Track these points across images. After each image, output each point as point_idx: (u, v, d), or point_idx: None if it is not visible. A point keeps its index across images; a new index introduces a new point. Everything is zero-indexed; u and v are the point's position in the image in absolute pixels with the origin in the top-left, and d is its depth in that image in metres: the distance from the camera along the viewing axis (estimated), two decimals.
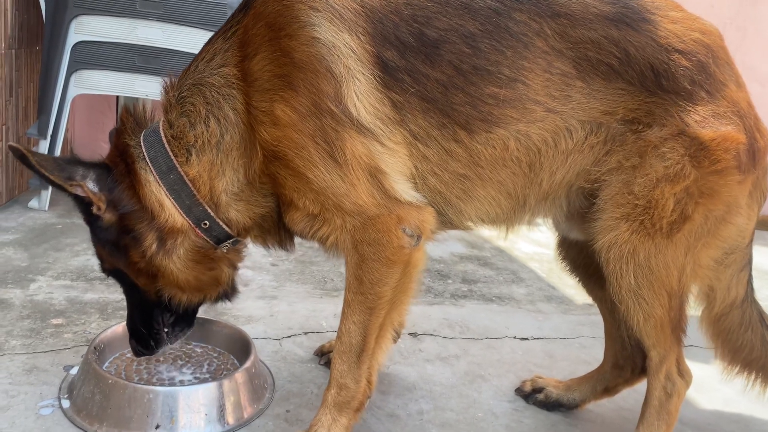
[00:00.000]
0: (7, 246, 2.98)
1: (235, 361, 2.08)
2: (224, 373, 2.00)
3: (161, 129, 1.65)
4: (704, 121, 1.60)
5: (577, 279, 2.09)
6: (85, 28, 3.26)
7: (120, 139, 1.69)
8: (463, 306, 2.90)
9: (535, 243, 4.08)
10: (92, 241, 1.75)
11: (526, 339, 2.65)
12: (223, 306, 2.54)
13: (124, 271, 1.73)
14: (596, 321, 2.90)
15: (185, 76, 1.66)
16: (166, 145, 1.63)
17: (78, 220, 3.49)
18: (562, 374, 2.30)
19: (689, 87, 1.60)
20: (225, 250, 1.75)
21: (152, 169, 1.64)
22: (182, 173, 1.63)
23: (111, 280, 2.64)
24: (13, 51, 3.48)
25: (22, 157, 1.51)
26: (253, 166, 1.63)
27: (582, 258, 2.02)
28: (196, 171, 1.63)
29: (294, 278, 2.99)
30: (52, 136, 3.36)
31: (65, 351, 2.10)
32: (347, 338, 1.65)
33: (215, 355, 2.12)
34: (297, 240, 3.61)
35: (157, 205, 1.64)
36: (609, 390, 2.09)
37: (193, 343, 2.16)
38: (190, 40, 3.23)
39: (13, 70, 3.49)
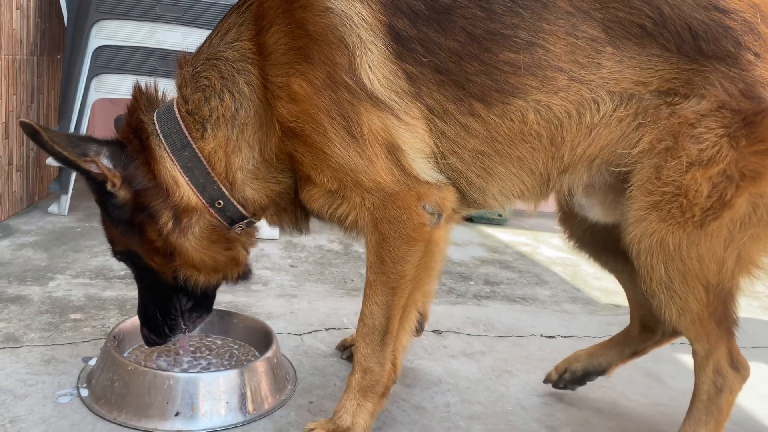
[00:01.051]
0: (26, 247, 2.96)
1: (257, 353, 2.02)
2: (245, 362, 1.95)
3: (175, 106, 1.62)
4: (750, 90, 1.46)
5: (588, 255, 2.01)
6: (106, 33, 3.28)
7: (133, 115, 1.65)
8: (486, 306, 2.84)
9: (558, 248, 4.01)
10: (103, 223, 1.71)
11: (553, 337, 2.57)
12: (243, 303, 2.51)
13: (137, 253, 1.68)
14: (625, 321, 2.80)
15: (200, 52, 1.63)
16: (181, 122, 1.60)
17: (97, 224, 3.47)
18: None
19: (733, 50, 1.46)
20: (239, 231, 1.71)
21: (166, 146, 1.60)
22: (197, 150, 1.59)
23: (130, 279, 2.63)
24: (35, 58, 3.51)
25: (34, 133, 1.46)
26: (270, 142, 1.59)
27: (588, 235, 1.95)
28: (211, 147, 1.60)
29: (313, 278, 2.94)
30: None
31: (84, 344, 2.07)
32: (370, 320, 1.60)
33: (236, 347, 2.07)
34: (315, 243, 3.56)
35: (171, 182, 1.60)
36: (638, 353, 2.03)
37: (213, 336, 2.11)
38: None
39: (35, 76, 3.52)
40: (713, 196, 1.49)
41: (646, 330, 1.98)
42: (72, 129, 3.37)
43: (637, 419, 1.99)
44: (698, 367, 1.66)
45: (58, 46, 3.80)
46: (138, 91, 1.66)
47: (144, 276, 1.75)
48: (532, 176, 1.64)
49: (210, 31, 3.38)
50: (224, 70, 1.57)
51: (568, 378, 2.04)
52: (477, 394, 2.02)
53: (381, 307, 1.58)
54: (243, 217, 1.68)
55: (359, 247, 3.52)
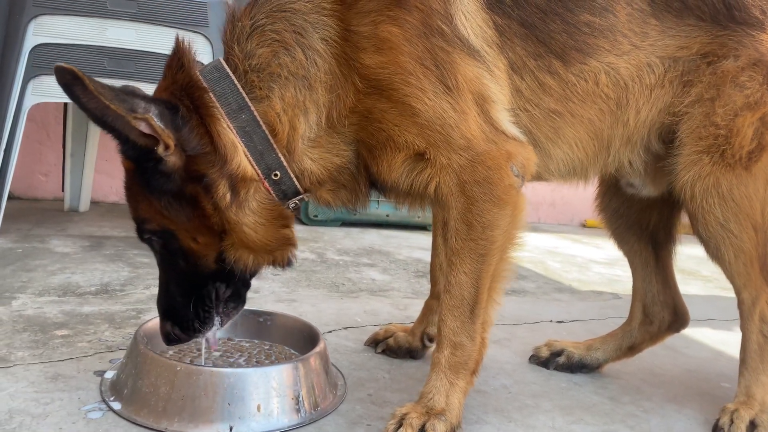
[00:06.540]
0: None
1: (294, 352, 1.83)
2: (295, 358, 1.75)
3: (225, 65, 1.45)
4: None
5: (612, 230, 2.04)
6: (47, 30, 2.95)
7: (179, 72, 1.43)
8: None
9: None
10: (132, 197, 1.47)
11: (562, 322, 2.56)
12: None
13: (174, 233, 1.46)
14: (616, 305, 2.89)
15: (258, 4, 1.47)
16: (236, 81, 1.43)
17: (40, 244, 3.09)
18: None
19: (760, 17, 1.65)
20: (292, 208, 1.54)
21: (220, 107, 1.42)
22: (255, 112, 1.43)
23: (107, 294, 2.33)
24: None
25: (74, 81, 1.21)
26: (341, 104, 1.45)
27: (625, 207, 2.00)
28: (277, 109, 1.44)
29: (303, 285, 2.76)
30: (5, 150, 2.97)
31: (87, 358, 1.77)
32: (458, 291, 1.49)
33: (267, 347, 1.87)
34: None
35: (230, 146, 1.42)
36: (634, 348, 2.04)
37: (236, 339, 1.89)
38: (167, 41, 2.99)
39: None
40: (755, 139, 1.63)
41: (645, 322, 2.01)
42: (5, 138, 2.98)
43: (680, 385, 2.00)
44: (745, 317, 1.73)
45: None
46: (182, 44, 1.45)
47: (175, 260, 1.50)
48: (595, 142, 1.68)
49: (166, 28, 3.16)
50: (297, 23, 1.42)
51: (563, 362, 2.02)
52: (526, 375, 1.95)
53: (470, 276, 1.48)
54: (297, 192, 1.51)
55: (334, 255, 3.37)
